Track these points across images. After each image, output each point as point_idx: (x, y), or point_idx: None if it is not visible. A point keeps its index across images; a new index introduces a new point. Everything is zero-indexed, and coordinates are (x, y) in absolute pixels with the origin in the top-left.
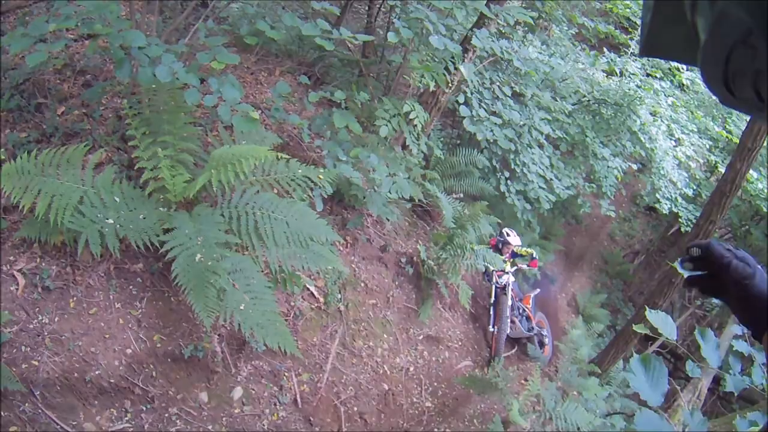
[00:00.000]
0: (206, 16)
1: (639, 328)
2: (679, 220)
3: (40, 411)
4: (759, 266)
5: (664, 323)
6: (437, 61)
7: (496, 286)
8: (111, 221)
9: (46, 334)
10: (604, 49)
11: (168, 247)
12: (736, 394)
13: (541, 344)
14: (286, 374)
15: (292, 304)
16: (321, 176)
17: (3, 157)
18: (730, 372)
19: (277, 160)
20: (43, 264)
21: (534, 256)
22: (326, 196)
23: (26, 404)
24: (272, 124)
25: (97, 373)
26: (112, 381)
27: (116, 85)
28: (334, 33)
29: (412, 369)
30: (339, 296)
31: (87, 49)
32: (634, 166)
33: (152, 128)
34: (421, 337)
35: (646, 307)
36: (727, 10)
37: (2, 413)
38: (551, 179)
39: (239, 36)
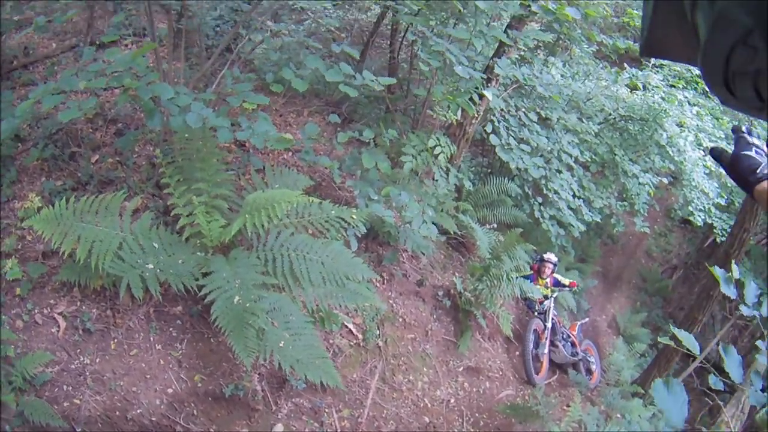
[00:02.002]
0: (232, 61)
1: (664, 340)
2: (714, 230)
3: None
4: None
5: (687, 339)
6: (462, 91)
7: (537, 313)
8: (151, 266)
9: (87, 374)
10: (625, 65)
11: (207, 291)
12: (758, 408)
13: (588, 371)
14: (326, 411)
15: (331, 341)
16: (354, 216)
17: (40, 204)
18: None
19: (309, 202)
20: (84, 307)
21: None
22: (360, 236)
23: None
24: (303, 165)
25: (138, 411)
26: (153, 419)
27: (148, 133)
28: (357, 78)
29: (452, 401)
30: (377, 332)
31: (117, 100)
32: (665, 180)
33: (186, 175)
34: (461, 368)
35: (671, 326)
36: (727, 10)
37: None
38: (579, 206)
39: (265, 82)
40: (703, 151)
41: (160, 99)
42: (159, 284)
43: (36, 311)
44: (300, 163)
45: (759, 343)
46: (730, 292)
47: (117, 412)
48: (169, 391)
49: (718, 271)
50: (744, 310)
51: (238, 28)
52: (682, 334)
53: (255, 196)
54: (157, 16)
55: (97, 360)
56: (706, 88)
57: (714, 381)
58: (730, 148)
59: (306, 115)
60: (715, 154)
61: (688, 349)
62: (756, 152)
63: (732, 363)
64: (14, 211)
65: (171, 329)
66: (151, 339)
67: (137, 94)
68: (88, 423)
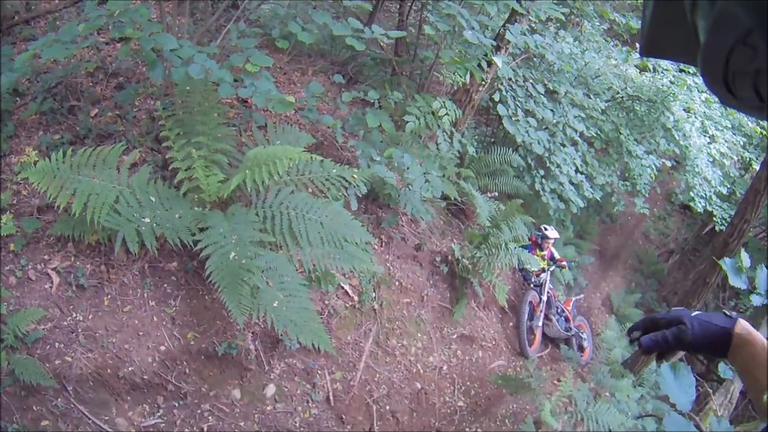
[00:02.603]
0: (237, 17)
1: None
2: (714, 219)
3: (72, 406)
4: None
5: None
6: (470, 57)
7: (533, 285)
8: (147, 220)
9: (80, 331)
10: (636, 45)
11: (203, 246)
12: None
13: (581, 347)
14: (319, 372)
15: (327, 302)
16: (355, 176)
17: (36, 159)
18: None
19: (311, 160)
20: (78, 263)
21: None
22: (360, 196)
23: (59, 399)
24: (306, 124)
25: (130, 369)
26: (145, 377)
27: (149, 87)
28: (366, 32)
29: (445, 368)
30: (373, 295)
31: (119, 53)
32: (668, 164)
33: (186, 129)
34: (454, 336)
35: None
36: (727, 10)
37: (34, 407)
38: (581, 182)
39: (271, 37)
40: (709, 138)
41: (162, 51)
42: (155, 238)
43: (29, 267)
44: (302, 120)
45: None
46: (739, 282)
47: (109, 370)
48: (162, 348)
49: (727, 263)
50: (755, 300)
51: None
52: None
53: (256, 151)
54: None
55: (90, 317)
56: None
57: (723, 369)
58: (736, 140)
59: (310, 74)
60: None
61: None
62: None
63: None
64: (11, 166)
65: (165, 285)
66: (145, 295)
67: (140, 46)
68: (79, 381)
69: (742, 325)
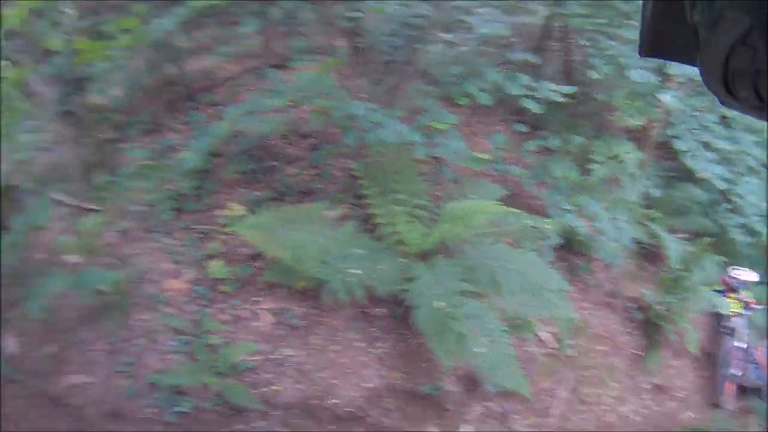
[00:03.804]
0: (411, 74)
1: None
2: None
3: (274, 429)
4: None
5: None
6: (640, 95)
7: (727, 331)
8: (354, 270)
9: (289, 365)
10: None
11: (409, 295)
12: None
13: None
14: (514, 417)
15: (525, 349)
16: (548, 226)
17: (242, 213)
18: None
19: (504, 212)
20: (289, 305)
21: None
22: (553, 245)
23: (262, 422)
24: (494, 175)
25: (335, 402)
26: (349, 410)
27: (341, 147)
28: (537, 89)
29: (637, 419)
30: (569, 342)
31: (311, 120)
32: None
33: (384, 186)
34: (647, 385)
35: None
36: (727, 10)
37: (236, 426)
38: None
39: (449, 92)
40: None
41: (352, 116)
42: (362, 288)
43: (242, 307)
44: (491, 172)
45: None
46: None
47: (315, 401)
48: (368, 385)
49: None
50: None
51: (412, 42)
52: None
53: (452, 206)
54: (333, 35)
55: (300, 353)
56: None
57: None
58: None
59: (492, 125)
60: None
61: None
62: None
63: None
64: (216, 219)
65: (373, 329)
66: (353, 337)
67: (329, 112)
68: (285, 408)
69: None
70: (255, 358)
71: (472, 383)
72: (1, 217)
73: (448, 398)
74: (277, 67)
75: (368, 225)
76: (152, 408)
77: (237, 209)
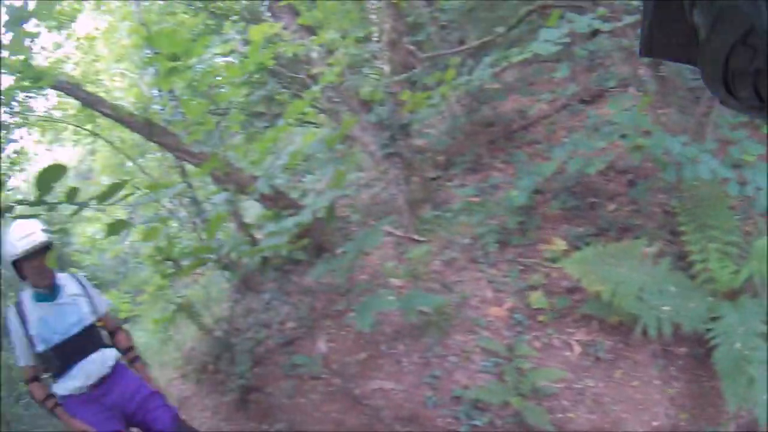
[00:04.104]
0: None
1: None
2: None
3: None
4: None
5: None
6: None
7: None
8: (666, 308)
9: (587, 395)
10: None
11: (713, 335)
12: None
13: None
14: None
15: None
16: None
17: (564, 248)
18: None
19: None
20: (599, 338)
21: None
22: None
23: None
24: None
25: None
26: None
27: (656, 182)
28: None
29: None
30: None
31: (631, 157)
32: None
33: (699, 222)
34: None
35: None
36: (727, 10)
37: None
38: None
39: (751, 122)
40: None
41: (669, 152)
42: (671, 325)
43: (555, 336)
44: None
45: None
46: None
47: None
48: (654, 423)
49: None
50: None
51: None
52: None
53: (762, 242)
54: (635, 64)
55: (600, 384)
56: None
57: None
58: None
59: None
60: None
61: None
62: None
63: None
64: (540, 252)
65: (672, 368)
66: (652, 374)
67: (647, 150)
68: None
69: None
70: (558, 384)
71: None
72: (327, 242)
73: None
74: (587, 102)
75: (682, 262)
76: (449, 418)
77: (560, 244)
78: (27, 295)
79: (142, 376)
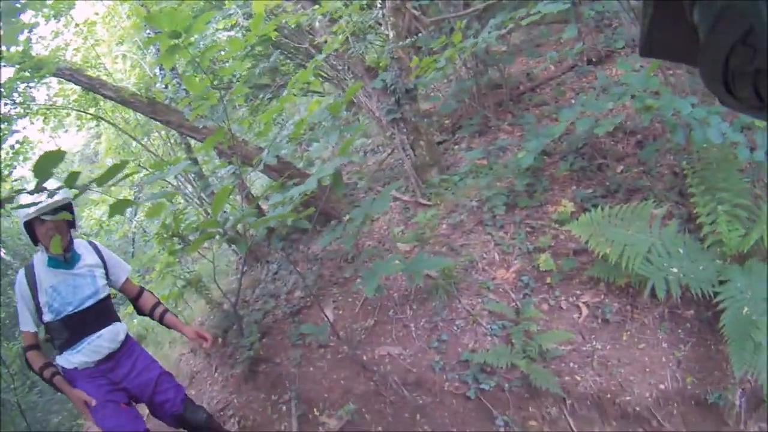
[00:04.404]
0: None
1: None
2: None
3: (563, 416)
4: None
5: None
6: None
7: None
8: (675, 270)
9: (595, 357)
10: None
11: (721, 298)
12: None
13: None
14: None
15: None
16: None
17: (572, 209)
18: None
19: None
20: (606, 300)
21: None
22: None
23: (554, 408)
24: None
25: (627, 399)
26: (636, 409)
27: (665, 144)
28: None
29: None
30: None
31: (642, 119)
32: None
33: (708, 184)
34: None
35: None
36: (726, 10)
37: (529, 409)
38: None
39: None
40: None
41: (679, 114)
42: (679, 287)
43: (562, 298)
44: None
45: None
46: None
47: (608, 395)
48: (661, 386)
49: None
50: None
51: None
52: None
53: None
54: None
55: (607, 347)
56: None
57: None
58: None
59: None
60: None
61: None
62: None
63: None
64: (548, 214)
65: (679, 330)
66: (660, 337)
67: (656, 111)
68: (578, 398)
69: None
70: (565, 347)
71: (757, 400)
72: (333, 209)
73: (730, 411)
74: (595, 63)
75: (690, 224)
76: (456, 383)
77: (568, 206)
78: (40, 259)
79: (176, 326)
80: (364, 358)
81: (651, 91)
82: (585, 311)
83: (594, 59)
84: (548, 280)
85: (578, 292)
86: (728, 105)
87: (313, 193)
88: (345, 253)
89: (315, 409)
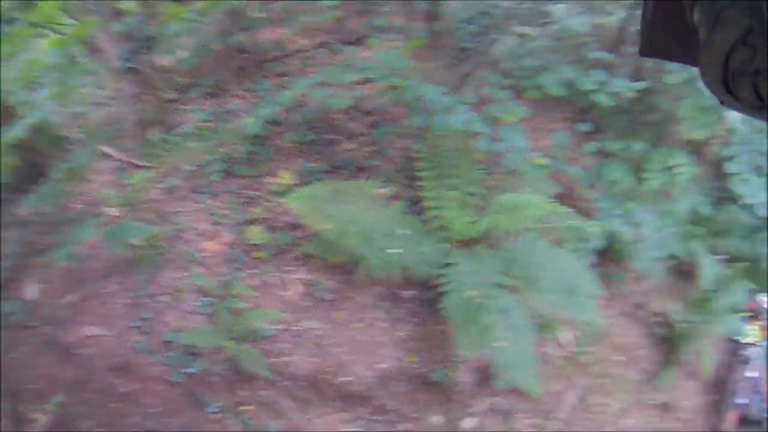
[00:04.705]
0: (483, 63)
1: None
2: None
3: (278, 399)
4: None
5: None
6: (707, 108)
7: (741, 359)
8: (395, 250)
9: (308, 337)
10: None
11: (445, 280)
12: None
13: None
14: (518, 415)
15: (543, 350)
16: (594, 230)
17: (292, 182)
18: None
19: (553, 210)
20: (322, 278)
21: None
22: (595, 249)
23: (267, 390)
24: (550, 172)
25: (347, 379)
26: (358, 388)
27: (402, 127)
28: (610, 84)
29: None
30: (587, 349)
31: (378, 97)
32: None
33: (440, 170)
34: (655, 402)
35: None
36: (727, 10)
37: (241, 392)
38: None
39: (517, 84)
40: None
41: (423, 98)
42: (399, 268)
43: (273, 274)
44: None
45: None
46: None
47: (325, 376)
48: (381, 366)
49: None
50: None
51: (488, 31)
52: None
53: (504, 197)
54: (411, 16)
55: (322, 326)
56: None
57: None
58: None
59: (554, 122)
60: None
61: None
62: None
63: None
64: (266, 186)
65: (398, 310)
66: (378, 316)
67: (399, 92)
68: (293, 379)
69: None
70: (276, 326)
71: (484, 376)
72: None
73: (457, 388)
74: (351, 44)
75: (417, 207)
76: (161, 366)
77: (288, 178)
78: None
79: None
80: (69, 340)
81: (401, 74)
82: (297, 288)
83: (350, 40)
84: (260, 254)
85: (292, 268)
86: (729, 105)
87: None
88: (50, 216)
89: (25, 403)
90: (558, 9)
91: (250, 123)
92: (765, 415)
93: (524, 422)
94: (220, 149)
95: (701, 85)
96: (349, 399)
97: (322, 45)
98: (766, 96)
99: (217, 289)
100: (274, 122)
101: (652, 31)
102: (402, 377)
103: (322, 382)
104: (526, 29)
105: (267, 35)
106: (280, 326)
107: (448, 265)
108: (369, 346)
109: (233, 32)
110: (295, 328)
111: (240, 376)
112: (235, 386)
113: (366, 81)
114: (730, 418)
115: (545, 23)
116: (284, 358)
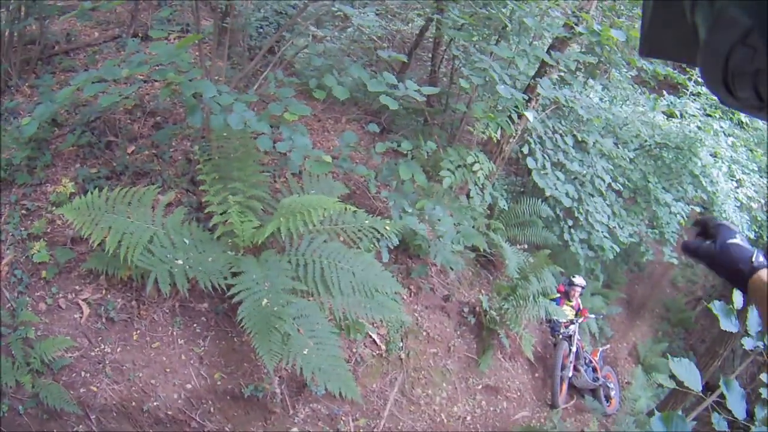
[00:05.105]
0: (274, 63)
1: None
2: None
3: None
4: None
5: (688, 372)
6: (501, 110)
7: (562, 336)
8: (180, 261)
9: (107, 362)
10: (664, 92)
11: (235, 291)
12: None
13: (608, 397)
14: (343, 419)
15: (354, 350)
16: (387, 227)
17: (73, 190)
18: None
19: (344, 210)
20: (109, 296)
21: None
22: (392, 247)
23: (80, 426)
24: (339, 173)
25: (155, 404)
26: (169, 413)
27: (185, 129)
28: (400, 88)
29: (469, 418)
30: (400, 344)
31: (160, 94)
32: (697, 209)
33: (222, 173)
34: (480, 386)
35: (669, 356)
36: (727, 10)
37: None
38: (614, 227)
39: (308, 87)
40: (736, 182)
41: (202, 96)
42: (187, 280)
43: (60, 296)
44: (336, 170)
45: (763, 376)
46: (730, 326)
47: (133, 403)
48: (188, 386)
49: (716, 306)
50: (747, 343)
51: (282, 30)
52: (681, 365)
53: (290, 200)
54: (202, 13)
55: (118, 349)
56: (745, 121)
57: (717, 420)
58: (762, 183)
59: (344, 123)
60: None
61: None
62: (742, 239)
63: (734, 398)
64: (46, 195)
65: (195, 325)
66: (174, 333)
67: (179, 89)
68: (102, 411)
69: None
70: (71, 354)
71: (297, 385)
72: None
73: (273, 400)
74: (141, 38)
75: (201, 213)
76: None
77: (68, 186)
78: None
79: None
80: None
81: (181, 71)
82: (87, 310)
83: (141, 35)
84: (44, 273)
85: (77, 287)
86: (729, 105)
87: None
88: None
89: None
90: (356, 13)
91: (27, 124)
92: (594, 384)
93: (351, 424)
94: None
95: (498, 88)
96: (164, 425)
97: (112, 39)
98: (766, 96)
99: (5, 318)
100: (56, 123)
101: (651, 32)
102: (212, 395)
103: (133, 411)
104: (320, 31)
105: (59, 26)
106: (76, 353)
107: (237, 273)
108: (171, 365)
109: (23, 18)
110: (91, 354)
111: (49, 414)
112: (46, 426)
113: (150, 79)
114: (562, 390)
115: (342, 26)
116: (90, 388)
